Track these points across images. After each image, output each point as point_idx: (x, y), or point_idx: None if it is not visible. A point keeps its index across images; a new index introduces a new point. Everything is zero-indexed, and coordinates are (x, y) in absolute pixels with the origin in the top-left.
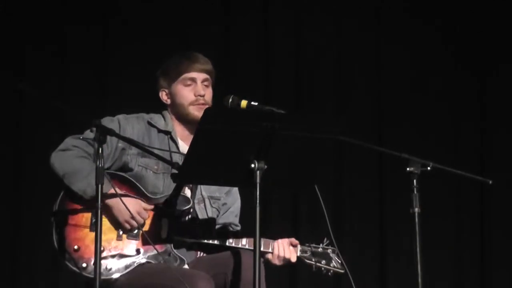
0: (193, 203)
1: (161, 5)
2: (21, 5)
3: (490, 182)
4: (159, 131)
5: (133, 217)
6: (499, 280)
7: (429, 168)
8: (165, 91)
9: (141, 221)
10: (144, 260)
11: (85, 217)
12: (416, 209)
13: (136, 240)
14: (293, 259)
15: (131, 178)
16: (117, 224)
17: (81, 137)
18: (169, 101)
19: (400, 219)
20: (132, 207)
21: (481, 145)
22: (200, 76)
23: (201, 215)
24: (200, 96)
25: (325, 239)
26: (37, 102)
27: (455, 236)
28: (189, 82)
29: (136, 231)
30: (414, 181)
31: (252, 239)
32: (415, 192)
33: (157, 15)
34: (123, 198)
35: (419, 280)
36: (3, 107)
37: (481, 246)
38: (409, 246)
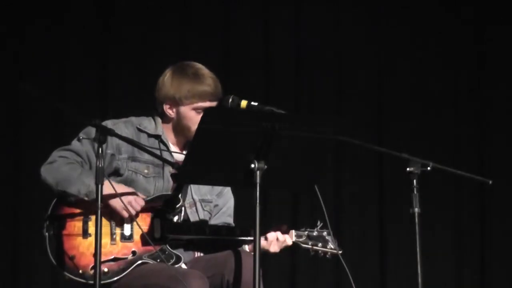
0: (184, 202)
1: (161, 5)
2: (19, 2)
3: (490, 182)
4: (149, 135)
5: (130, 203)
6: (499, 280)
7: (429, 168)
8: (172, 106)
9: (138, 207)
10: (140, 261)
11: (77, 226)
12: (416, 209)
13: (130, 242)
14: (289, 241)
15: (120, 184)
16: (114, 216)
17: (66, 148)
18: (172, 115)
19: (400, 219)
20: (128, 195)
21: (481, 145)
22: (212, 105)
23: (193, 218)
24: None
25: (319, 221)
26: (37, 102)
27: (455, 236)
28: (200, 110)
29: (130, 232)
30: (414, 181)
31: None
32: (415, 192)
33: (157, 15)
34: (117, 189)
35: (419, 280)
36: (3, 107)
37: (481, 246)
38: (409, 246)
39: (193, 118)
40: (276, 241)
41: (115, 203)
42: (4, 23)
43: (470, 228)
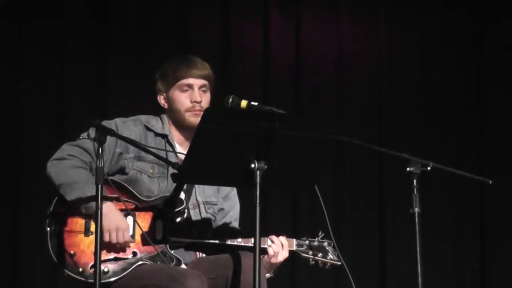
0: (187, 204)
1: (161, 5)
2: (20, 3)
3: (490, 182)
4: (156, 134)
5: (116, 230)
6: (499, 280)
7: (429, 168)
8: (163, 95)
9: (121, 239)
10: (140, 262)
11: (79, 223)
12: (416, 209)
13: (131, 242)
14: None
15: (124, 183)
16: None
17: (77, 144)
18: (166, 106)
19: (400, 219)
20: (121, 222)
21: (481, 145)
22: (197, 82)
23: (195, 220)
24: (197, 102)
25: (320, 232)
26: (37, 102)
27: (455, 236)
28: (186, 88)
29: (131, 233)
30: (414, 181)
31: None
32: (415, 192)
33: (157, 15)
34: (116, 214)
35: (419, 280)
36: (3, 107)
37: (481, 246)
38: (409, 246)
39: (180, 97)
40: (281, 249)
41: (105, 222)
42: (4, 23)
43: (470, 228)
